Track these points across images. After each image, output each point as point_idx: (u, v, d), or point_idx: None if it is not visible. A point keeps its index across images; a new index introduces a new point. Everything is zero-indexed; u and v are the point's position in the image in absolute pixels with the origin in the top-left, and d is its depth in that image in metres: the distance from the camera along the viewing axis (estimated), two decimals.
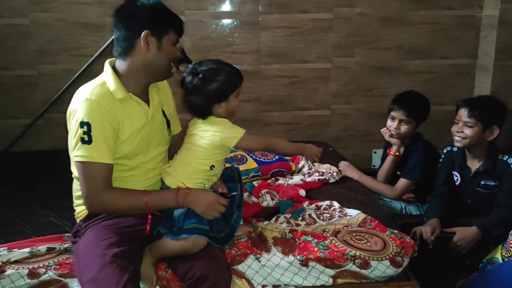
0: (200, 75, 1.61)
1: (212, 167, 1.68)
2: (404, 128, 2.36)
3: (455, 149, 2.23)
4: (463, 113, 2.10)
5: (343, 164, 2.53)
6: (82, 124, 1.52)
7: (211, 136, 1.65)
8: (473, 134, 2.08)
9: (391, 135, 2.40)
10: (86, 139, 1.52)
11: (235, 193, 1.71)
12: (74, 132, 1.54)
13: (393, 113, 2.38)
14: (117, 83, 1.59)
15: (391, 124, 2.39)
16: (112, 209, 1.61)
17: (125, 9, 1.61)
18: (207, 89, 1.62)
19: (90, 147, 1.52)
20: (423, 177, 2.34)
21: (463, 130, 2.10)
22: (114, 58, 1.68)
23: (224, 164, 1.80)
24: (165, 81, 1.80)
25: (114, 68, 1.65)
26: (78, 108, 1.54)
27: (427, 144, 2.43)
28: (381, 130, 2.47)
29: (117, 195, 1.60)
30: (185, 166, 1.68)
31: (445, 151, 2.30)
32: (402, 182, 2.37)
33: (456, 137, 2.14)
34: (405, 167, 2.38)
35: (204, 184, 1.69)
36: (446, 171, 2.26)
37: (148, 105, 1.68)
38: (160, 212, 1.67)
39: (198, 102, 1.64)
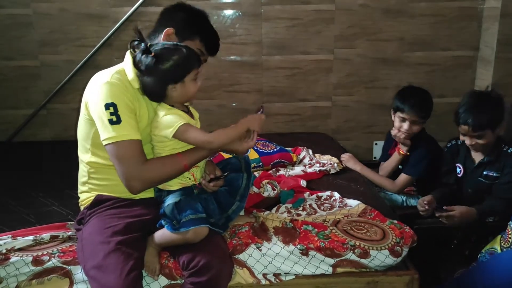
0: (153, 53, 1.50)
1: None
2: (415, 128, 2.32)
3: (460, 141, 2.23)
4: (469, 129, 2.04)
5: (345, 156, 2.54)
6: (107, 105, 1.49)
7: (154, 132, 1.59)
8: (487, 140, 2.06)
9: (401, 137, 2.34)
10: (115, 120, 1.49)
11: (226, 174, 1.65)
12: (99, 116, 1.51)
13: (403, 115, 2.30)
14: (136, 73, 1.59)
15: (401, 125, 2.32)
16: (154, 180, 1.57)
17: (172, 7, 1.67)
18: (160, 69, 1.50)
19: (120, 127, 1.49)
20: (425, 172, 2.34)
21: (476, 142, 2.07)
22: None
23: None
24: None
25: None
26: (98, 91, 1.52)
27: (430, 140, 2.43)
28: (393, 134, 2.38)
29: (154, 165, 1.54)
30: None
31: (449, 144, 2.29)
32: (403, 177, 2.38)
33: (471, 148, 2.13)
34: (407, 162, 2.39)
35: (189, 178, 1.63)
36: (450, 163, 2.27)
37: None
38: (156, 212, 1.64)
39: (152, 83, 1.52)
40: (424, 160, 2.34)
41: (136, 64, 1.53)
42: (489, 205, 2.08)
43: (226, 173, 1.65)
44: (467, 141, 2.09)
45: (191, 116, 1.64)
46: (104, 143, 1.52)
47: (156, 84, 1.52)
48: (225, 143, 1.57)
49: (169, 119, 1.53)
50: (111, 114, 1.49)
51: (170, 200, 1.58)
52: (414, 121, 2.30)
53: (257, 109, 1.71)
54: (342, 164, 2.46)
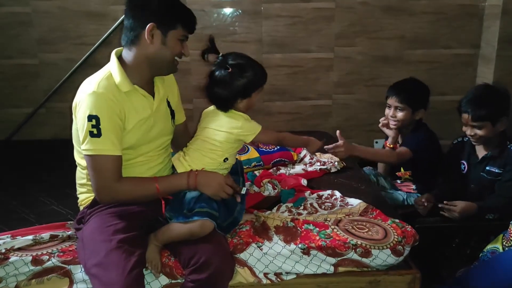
0: (230, 69, 1.63)
1: (225, 159, 1.71)
2: (400, 115, 2.37)
3: (466, 139, 2.25)
4: (468, 118, 2.08)
5: (341, 147, 2.02)
6: (90, 117, 1.51)
7: (226, 131, 1.67)
8: (486, 133, 2.08)
9: (385, 125, 2.42)
10: (95, 133, 1.51)
11: (245, 191, 1.74)
12: (81, 125, 1.54)
13: (388, 101, 2.41)
14: (123, 76, 1.58)
15: (388, 112, 2.42)
16: (124, 199, 1.61)
17: None
18: (234, 84, 1.65)
19: (99, 140, 1.52)
20: (423, 152, 2.32)
21: (475, 132, 2.10)
22: (120, 48, 1.66)
23: (236, 157, 1.83)
24: None
25: (120, 58, 1.63)
26: (85, 101, 1.53)
27: (429, 133, 2.43)
28: (380, 122, 2.48)
29: (128, 184, 1.60)
30: (201, 157, 1.70)
31: (455, 141, 2.32)
32: (401, 148, 2.36)
33: (471, 139, 2.16)
34: (409, 161, 2.36)
35: None
36: (454, 159, 2.28)
37: (153, 97, 1.68)
38: (155, 210, 1.66)
39: (223, 95, 1.66)
40: (421, 139, 2.35)
41: (211, 76, 1.67)
42: (489, 202, 2.10)
43: (244, 192, 1.75)
44: (468, 131, 2.12)
45: None
46: (82, 152, 1.56)
47: (226, 96, 1.67)
48: (293, 143, 1.90)
49: (249, 126, 1.70)
50: (93, 126, 1.51)
51: (193, 190, 1.65)
52: (396, 107, 2.37)
53: (323, 141, 1.91)
54: (342, 163, 2.45)
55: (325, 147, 1.98)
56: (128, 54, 1.62)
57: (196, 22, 1.66)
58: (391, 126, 2.43)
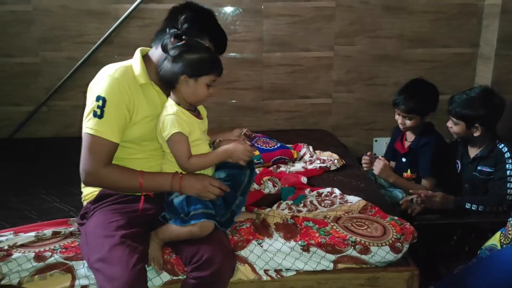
0: (184, 41, 1.56)
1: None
2: (408, 123, 2.31)
3: (459, 139, 2.29)
4: (449, 110, 2.21)
5: (379, 164, 2.32)
6: (98, 97, 1.55)
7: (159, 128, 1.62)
8: (458, 130, 2.18)
9: (368, 165, 2.36)
10: (98, 113, 1.54)
11: (228, 190, 1.66)
12: (89, 103, 1.58)
13: (396, 109, 2.33)
14: (143, 69, 1.63)
15: (397, 118, 2.35)
16: (107, 185, 1.63)
17: (180, 6, 1.69)
18: (183, 57, 1.54)
19: (99, 122, 1.55)
20: (439, 166, 2.32)
21: (452, 126, 2.21)
22: (146, 48, 1.73)
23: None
24: None
25: (144, 56, 1.69)
26: (99, 82, 1.58)
27: (437, 138, 2.36)
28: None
29: (114, 172, 1.60)
30: (168, 162, 1.68)
31: (449, 142, 2.36)
32: (424, 182, 2.32)
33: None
34: (417, 164, 2.35)
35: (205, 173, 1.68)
36: (449, 161, 2.31)
37: (167, 97, 1.70)
38: (162, 200, 1.68)
39: (169, 68, 1.56)
40: (430, 158, 2.30)
41: (164, 46, 1.57)
42: (484, 199, 2.12)
43: (228, 190, 1.65)
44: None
45: (198, 114, 1.68)
46: (83, 129, 1.58)
47: (173, 69, 1.56)
48: (200, 170, 1.65)
49: (169, 121, 1.57)
50: (98, 107, 1.54)
51: (176, 192, 1.62)
52: (404, 116, 2.30)
53: (248, 135, 1.78)
54: (342, 161, 2.46)
55: (365, 157, 2.36)
56: (155, 53, 1.69)
57: (226, 44, 1.74)
58: (401, 128, 2.36)
